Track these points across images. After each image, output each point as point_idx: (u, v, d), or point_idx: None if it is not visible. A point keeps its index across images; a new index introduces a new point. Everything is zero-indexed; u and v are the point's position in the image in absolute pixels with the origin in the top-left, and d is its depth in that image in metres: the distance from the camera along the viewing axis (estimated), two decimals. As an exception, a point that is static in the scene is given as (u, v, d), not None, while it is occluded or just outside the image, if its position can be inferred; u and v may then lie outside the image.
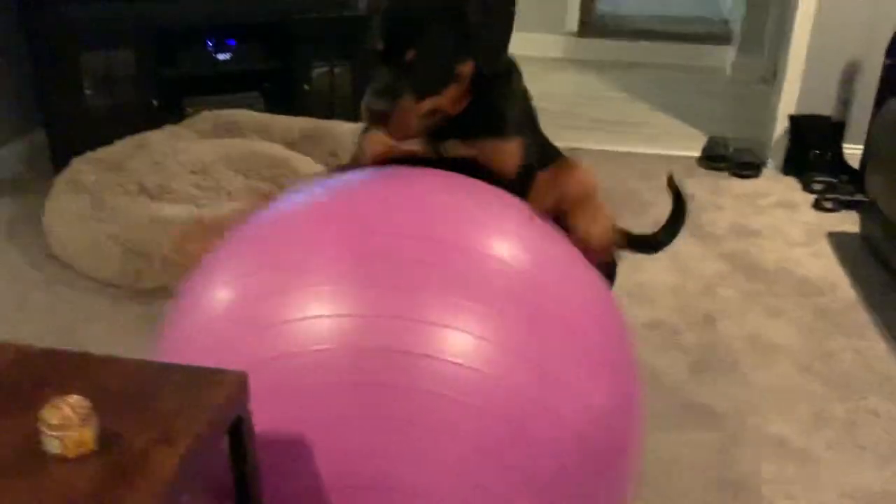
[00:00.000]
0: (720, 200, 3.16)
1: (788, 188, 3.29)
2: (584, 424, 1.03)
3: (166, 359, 1.03)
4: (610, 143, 3.77)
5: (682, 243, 2.77)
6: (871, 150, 2.74)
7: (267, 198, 1.39)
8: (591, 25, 5.48)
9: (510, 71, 1.33)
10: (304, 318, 0.99)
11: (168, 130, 3.00)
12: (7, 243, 2.64)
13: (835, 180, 3.23)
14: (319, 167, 3.00)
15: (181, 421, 0.80)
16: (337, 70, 3.40)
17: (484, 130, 1.27)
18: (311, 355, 0.97)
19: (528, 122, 1.35)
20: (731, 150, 3.53)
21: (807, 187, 3.25)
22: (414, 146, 1.26)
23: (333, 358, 0.97)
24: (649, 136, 3.94)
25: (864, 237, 2.81)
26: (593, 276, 1.23)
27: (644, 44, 5.43)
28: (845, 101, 3.36)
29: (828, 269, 2.63)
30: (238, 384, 0.85)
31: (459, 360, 0.96)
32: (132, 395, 0.83)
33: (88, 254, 2.41)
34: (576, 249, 1.24)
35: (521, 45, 5.72)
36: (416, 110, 1.19)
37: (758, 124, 3.75)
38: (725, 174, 3.41)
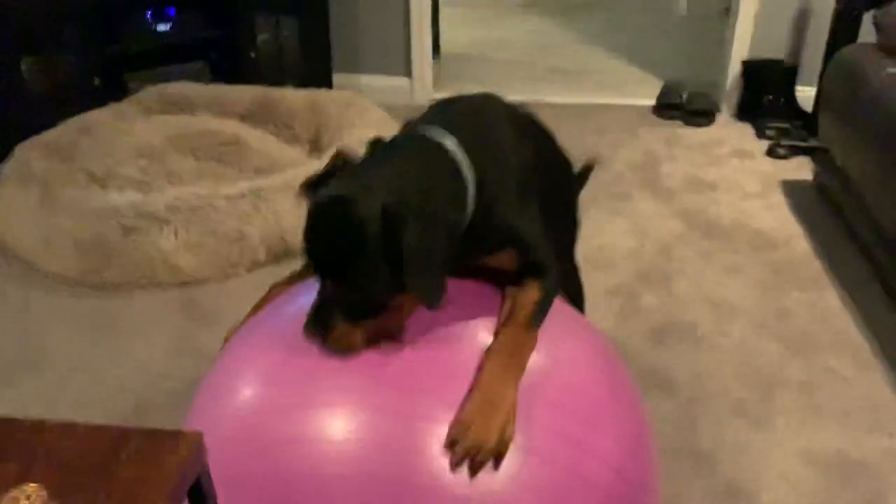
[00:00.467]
0: (675, 151, 3.17)
1: (742, 135, 3.31)
2: (611, 483, 1.07)
3: None
4: (566, 95, 3.74)
5: (639, 200, 2.81)
6: (824, 98, 2.76)
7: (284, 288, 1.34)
8: (543, -34, 5.37)
9: (481, 182, 1.12)
10: (317, 439, 1.02)
11: (112, 109, 2.92)
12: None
13: (788, 125, 3.25)
14: (272, 140, 2.95)
15: (143, 489, 0.80)
16: (284, 33, 3.31)
17: (479, 248, 1.16)
18: (322, 478, 1.00)
19: (521, 215, 1.19)
20: (685, 97, 3.53)
21: (760, 133, 3.28)
22: None
23: (343, 480, 1.00)
24: (605, 84, 3.92)
25: (817, 185, 2.84)
26: (590, 332, 1.26)
27: (596, -18, 5.35)
28: (797, 45, 3.37)
29: (782, 220, 2.67)
30: (196, 444, 0.85)
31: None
32: (92, 465, 0.82)
33: (42, 249, 2.36)
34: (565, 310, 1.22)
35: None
36: (354, 334, 1.06)
37: (711, 65, 3.74)
38: (680, 123, 3.42)
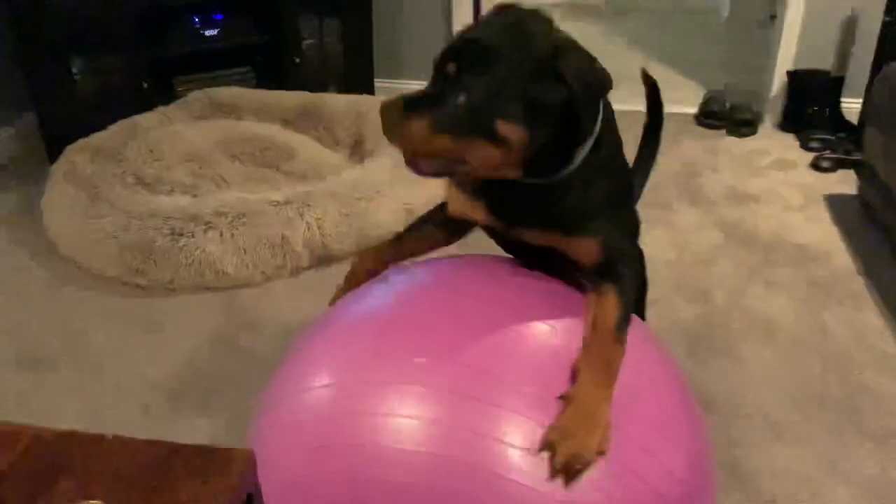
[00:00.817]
0: (717, 161, 3.16)
1: (785, 146, 3.28)
2: (667, 489, 1.08)
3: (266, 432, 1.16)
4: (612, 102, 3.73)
5: (679, 210, 2.80)
6: (870, 112, 2.72)
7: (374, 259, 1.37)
8: (586, -30, 5.36)
9: (600, 138, 1.14)
10: (393, 415, 1.04)
11: (160, 112, 2.99)
12: (7, 235, 2.65)
13: (833, 137, 3.21)
14: (315, 144, 3.00)
15: (197, 505, 0.83)
16: (327, 40, 3.36)
17: (562, 220, 1.16)
18: (395, 453, 1.02)
19: (615, 199, 1.21)
20: (728, 105, 3.50)
21: (804, 145, 3.24)
22: (488, 221, 1.22)
23: (414, 459, 1.01)
24: (643, 90, 3.89)
25: (861, 199, 2.81)
26: (657, 345, 1.27)
27: (637, -15, 5.32)
28: (844, 56, 3.32)
29: (824, 234, 2.65)
30: (247, 461, 0.88)
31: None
32: (148, 481, 0.85)
33: (89, 250, 2.43)
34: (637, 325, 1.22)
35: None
36: (426, 138, 1.05)
37: (754, 72, 3.71)
38: (722, 132, 3.40)
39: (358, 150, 3.03)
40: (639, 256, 1.38)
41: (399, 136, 1.06)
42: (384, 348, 1.12)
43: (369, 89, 3.46)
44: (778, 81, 3.42)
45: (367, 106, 3.10)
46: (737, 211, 2.79)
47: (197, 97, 3.07)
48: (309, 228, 2.42)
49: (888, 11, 2.92)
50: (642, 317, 1.70)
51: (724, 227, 2.69)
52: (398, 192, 2.59)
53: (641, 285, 1.66)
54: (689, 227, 2.68)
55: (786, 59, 3.39)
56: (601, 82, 1.10)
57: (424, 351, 1.09)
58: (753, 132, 3.39)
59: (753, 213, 2.77)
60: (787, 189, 2.94)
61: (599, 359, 1.07)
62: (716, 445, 1.79)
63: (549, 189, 1.13)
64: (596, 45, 4.40)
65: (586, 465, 0.99)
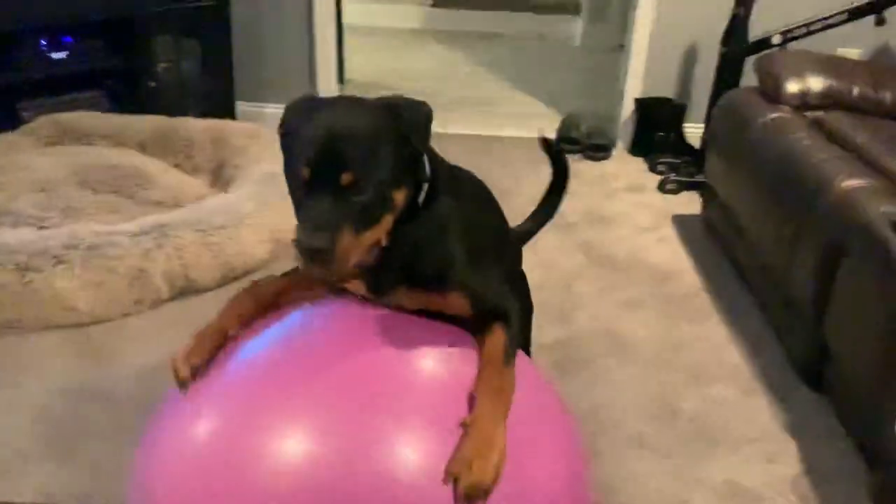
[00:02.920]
0: (574, 185, 3.26)
1: (636, 170, 3.47)
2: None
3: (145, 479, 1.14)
4: (470, 126, 3.83)
5: (542, 233, 2.89)
6: (710, 138, 2.93)
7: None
8: (445, -4, 5.48)
9: (435, 185, 1.19)
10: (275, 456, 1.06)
11: (3, 139, 2.81)
12: None
13: (678, 161, 3.42)
14: (174, 171, 2.90)
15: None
16: (184, 63, 3.26)
17: (424, 276, 1.19)
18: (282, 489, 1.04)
19: (475, 244, 1.24)
20: (583, 130, 3.66)
21: (653, 168, 3.44)
22: (359, 290, 1.22)
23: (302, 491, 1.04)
24: (507, 115, 4.03)
25: (704, 219, 3.01)
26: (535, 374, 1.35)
27: (498, 13, 5.49)
28: (686, 84, 3.56)
29: (673, 253, 2.81)
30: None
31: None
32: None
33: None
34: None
35: (381, 15, 5.70)
36: (357, 245, 1.06)
37: (607, 98, 3.90)
38: (579, 156, 3.55)
39: (219, 177, 2.95)
40: (519, 291, 1.47)
41: (334, 262, 1.04)
42: (269, 390, 1.12)
43: (230, 113, 3.39)
44: (627, 108, 3.62)
45: (228, 130, 3.03)
46: (595, 233, 2.91)
47: (44, 122, 2.90)
48: (168, 259, 2.33)
49: (724, 42, 3.15)
50: (527, 346, 1.76)
51: (585, 248, 2.80)
52: (263, 219, 2.54)
53: (526, 314, 1.73)
54: (552, 249, 2.78)
55: (634, 86, 3.59)
56: (427, 118, 1.15)
57: (310, 391, 1.11)
58: (607, 156, 3.56)
59: (610, 235, 2.91)
60: (638, 211, 3.11)
61: (492, 388, 1.13)
62: (581, 462, 1.86)
63: (403, 245, 1.16)
64: (455, 72, 4.48)
65: (486, 491, 1.05)
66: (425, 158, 1.18)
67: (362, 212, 1.06)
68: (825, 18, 3.02)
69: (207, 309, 2.33)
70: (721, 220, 2.81)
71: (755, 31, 3.09)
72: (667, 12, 3.42)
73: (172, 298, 2.39)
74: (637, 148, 3.60)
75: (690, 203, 3.16)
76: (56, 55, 3.01)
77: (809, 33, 3.06)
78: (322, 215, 1.03)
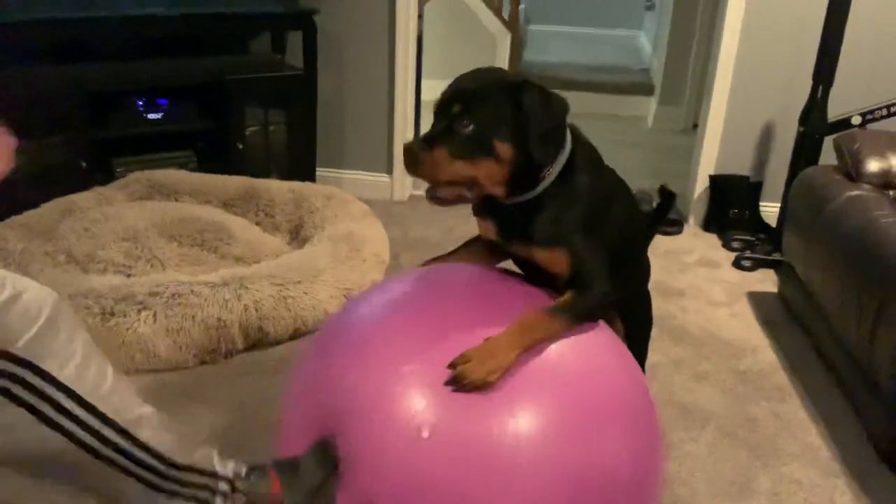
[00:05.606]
0: (646, 258, 3.27)
1: (709, 245, 3.44)
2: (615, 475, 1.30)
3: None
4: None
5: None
6: (788, 215, 2.89)
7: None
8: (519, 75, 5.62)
9: (572, 167, 1.41)
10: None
11: (96, 192, 2.96)
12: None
13: (753, 238, 3.38)
14: (255, 228, 3.00)
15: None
16: (271, 128, 3.41)
17: (538, 233, 1.40)
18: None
19: (589, 223, 1.42)
20: (654, 206, 3.65)
21: (726, 245, 3.40)
22: (496, 238, 1.47)
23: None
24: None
25: (781, 297, 2.95)
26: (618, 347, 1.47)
27: (569, 93, 5.59)
28: (762, 162, 3.54)
29: (748, 329, 2.76)
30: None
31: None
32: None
33: (14, 328, 2.34)
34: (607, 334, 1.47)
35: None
36: (447, 164, 1.30)
37: (679, 177, 3.90)
38: (651, 231, 3.53)
39: (297, 236, 3.04)
40: (640, 304, 1.82)
41: (423, 166, 1.30)
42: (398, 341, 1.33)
43: (311, 177, 3.51)
44: (700, 185, 3.61)
45: (308, 192, 3.13)
46: (665, 305, 2.88)
47: (136, 178, 3.05)
48: (246, 310, 2.40)
49: (802, 122, 3.14)
50: (643, 360, 1.83)
51: (656, 320, 2.76)
52: (337, 275, 2.60)
53: (645, 327, 1.91)
54: (621, 320, 2.75)
55: (707, 164, 3.59)
56: (554, 112, 1.37)
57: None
58: (679, 231, 3.54)
59: (681, 308, 2.87)
60: (711, 286, 3.06)
61: (524, 323, 1.31)
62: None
63: (530, 207, 1.39)
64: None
65: (471, 386, 1.23)
66: (568, 139, 1.40)
67: (462, 141, 1.29)
68: (906, 100, 3.00)
69: (278, 361, 2.39)
70: (799, 298, 2.75)
71: (833, 112, 3.08)
72: (742, 90, 3.44)
73: (246, 349, 2.44)
74: (710, 225, 3.57)
75: (766, 281, 3.10)
76: (152, 115, 3.17)
77: (890, 115, 3.03)
78: (431, 133, 1.32)
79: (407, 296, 1.44)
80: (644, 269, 1.86)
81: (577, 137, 1.46)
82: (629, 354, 1.49)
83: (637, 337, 1.79)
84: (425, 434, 1.21)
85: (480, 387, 1.23)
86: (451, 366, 1.25)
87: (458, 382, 1.23)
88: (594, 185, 1.44)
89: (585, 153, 1.45)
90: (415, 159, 1.30)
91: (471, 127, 1.30)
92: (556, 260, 1.40)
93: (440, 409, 1.23)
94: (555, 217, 1.39)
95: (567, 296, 1.38)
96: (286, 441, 1.42)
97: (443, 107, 1.33)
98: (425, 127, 4.76)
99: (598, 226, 1.43)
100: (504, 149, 1.32)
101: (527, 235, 1.41)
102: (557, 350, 1.34)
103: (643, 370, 1.69)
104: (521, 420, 1.23)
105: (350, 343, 1.35)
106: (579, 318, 1.38)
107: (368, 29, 3.55)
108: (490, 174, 1.33)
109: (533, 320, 1.32)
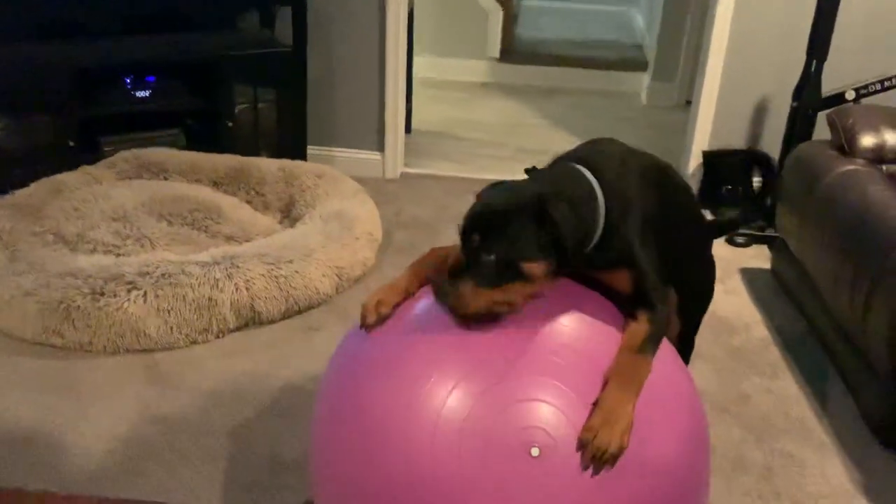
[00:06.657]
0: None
1: (703, 222, 3.42)
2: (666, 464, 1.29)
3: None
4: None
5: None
6: (781, 191, 2.88)
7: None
8: (512, 51, 5.57)
9: (611, 222, 1.37)
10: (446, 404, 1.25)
11: (84, 171, 2.93)
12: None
13: (747, 214, 3.37)
14: (245, 207, 2.98)
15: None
16: (261, 106, 3.37)
17: (603, 261, 1.39)
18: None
19: (642, 252, 1.40)
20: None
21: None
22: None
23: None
24: (570, 166, 4.02)
25: (774, 273, 2.94)
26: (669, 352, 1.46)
27: (562, 69, 5.55)
28: (755, 138, 3.52)
29: (741, 306, 2.75)
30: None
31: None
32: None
33: (4, 308, 2.32)
34: None
35: (449, 69, 5.77)
36: (477, 296, 1.26)
37: (673, 153, 3.88)
38: (644, 208, 3.52)
39: (288, 215, 3.02)
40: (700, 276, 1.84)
41: (452, 299, 1.28)
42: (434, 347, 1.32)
43: (301, 155, 3.48)
44: (693, 161, 3.59)
45: (299, 171, 3.10)
46: (659, 282, 2.87)
47: (124, 157, 3.02)
48: (237, 290, 2.38)
49: (796, 97, 3.12)
50: (687, 354, 1.86)
51: (648, 297, 2.76)
52: (328, 254, 2.58)
53: (703, 298, 1.92)
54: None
55: (701, 140, 3.57)
56: (582, 219, 1.32)
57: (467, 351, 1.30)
58: (673, 208, 3.52)
59: (674, 285, 2.86)
60: (705, 262, 3.05)
61: (624, 373, 1.28)
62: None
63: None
64: (520, 123, 4.53)
65: (612, 457, 1.20)
66: (601, 209, 1.34)
67: (488, 271, 1.25)
68: (901, 74, 2.98)
69: (269, 340, 2.38)
70: (792, 274, 2.74)
71: (826, 87, 3.06)
72: (736, 66, 3.41)
73: (237, 329, 2.43)
74: (703, 201, 3.55)
75: (760, 257, 3.10)
76: (139, 94, 3.13)
77: (884, 89, 3.02)
78: (457, 268, 1.28)
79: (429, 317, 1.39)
80: (706, 269, 1.88)
81: (604, 180, 1.38)
82: (669, 344, 1.48)
83: (688, 335, 1.86)
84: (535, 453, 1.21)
85: (619, 455, 1.21)
86: (583, 444, 1.21)
87: (600, 459, 1.20)
88: (633, 221, 1.40)
89: (620, 203, 1.39)
90: (442, 293, 1.28)
91: (493, 255, 1.25)
92: (620, 277, 1.39)
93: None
94: (612, 250, 1.38)
95: (642, 327, 1.35)
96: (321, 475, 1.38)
97: (464, 236, 1.29)
98: (419, 104, 4.69)
99: (647, 239, 1.43)
100: (534, 267, 1.27)
101: (594, 265, 1.40)
102: (614, 339, 1.35)
103: (686, 362, 1.71)
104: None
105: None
106: (659, 344, 1.37)
107: (358, 4, 3.50)
108: (525, 294, 1.29)
109: (630, 367, 1.29)
